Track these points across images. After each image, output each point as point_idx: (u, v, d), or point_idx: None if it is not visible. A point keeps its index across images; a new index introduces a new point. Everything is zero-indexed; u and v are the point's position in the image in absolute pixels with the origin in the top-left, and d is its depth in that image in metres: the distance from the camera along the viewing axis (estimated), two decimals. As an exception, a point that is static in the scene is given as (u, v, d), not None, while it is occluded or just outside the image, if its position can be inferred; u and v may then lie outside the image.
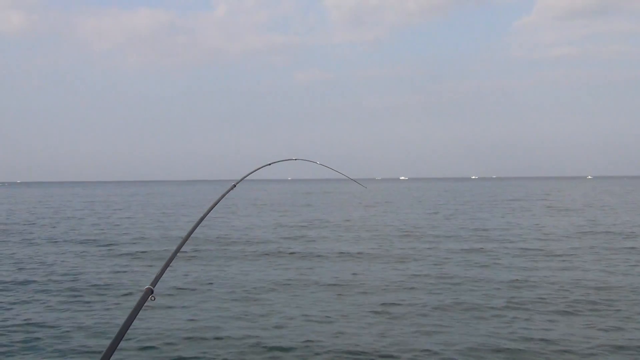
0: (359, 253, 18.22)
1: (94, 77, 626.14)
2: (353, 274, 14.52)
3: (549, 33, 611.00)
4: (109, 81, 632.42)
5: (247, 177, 4.82)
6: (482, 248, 18.85)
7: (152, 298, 2.56)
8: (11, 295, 12.39)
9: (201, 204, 53.01)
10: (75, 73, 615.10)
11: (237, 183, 4.44)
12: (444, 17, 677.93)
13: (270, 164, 5.40)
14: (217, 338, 8.94)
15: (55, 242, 22.38)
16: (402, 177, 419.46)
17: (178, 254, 3.06)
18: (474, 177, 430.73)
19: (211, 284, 13.25)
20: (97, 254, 18.57)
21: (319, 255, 17.75)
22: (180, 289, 12.66)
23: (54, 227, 29.48)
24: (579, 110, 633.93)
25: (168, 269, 2.88)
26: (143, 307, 2.47)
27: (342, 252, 18.38)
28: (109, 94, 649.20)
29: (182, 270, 14.86)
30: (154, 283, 2.64)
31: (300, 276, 14.20)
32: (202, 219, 3.58)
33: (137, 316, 2.40)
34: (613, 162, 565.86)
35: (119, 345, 2.23)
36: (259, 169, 5.18)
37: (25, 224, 31.44)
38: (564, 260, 16.25)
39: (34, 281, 13.89)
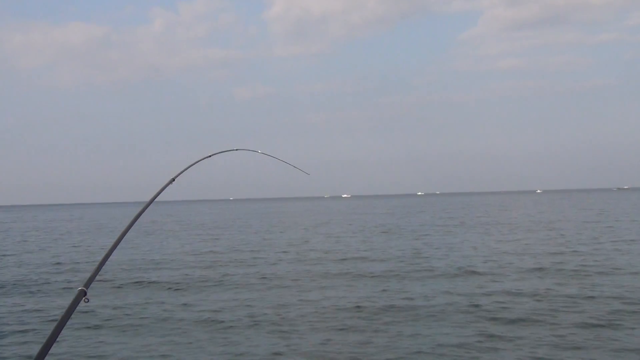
0: None
1: (23, 95, 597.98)
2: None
3: (495, 44, 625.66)
4: (39, 99, 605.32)
5: (187, 171, 4.68)
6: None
7: (86, 300, 2.49)
8: None
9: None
10: (1, 91, 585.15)
11: (176, 177, 4.38)
12: (388, 30, 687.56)
13: (210, 156, 5.25)
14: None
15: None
16: (345, 195, 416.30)
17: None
18: (419, 193, 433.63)
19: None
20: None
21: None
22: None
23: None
24: (526, 123, 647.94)
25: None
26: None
27: None
28: (39, 112, 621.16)
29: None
30: (87, 284, 2.56)
31: None
32: (137, 217, 3.51)
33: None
34: (562, 175, 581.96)
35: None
36: (199, 161, 5.00)
37: None
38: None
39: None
